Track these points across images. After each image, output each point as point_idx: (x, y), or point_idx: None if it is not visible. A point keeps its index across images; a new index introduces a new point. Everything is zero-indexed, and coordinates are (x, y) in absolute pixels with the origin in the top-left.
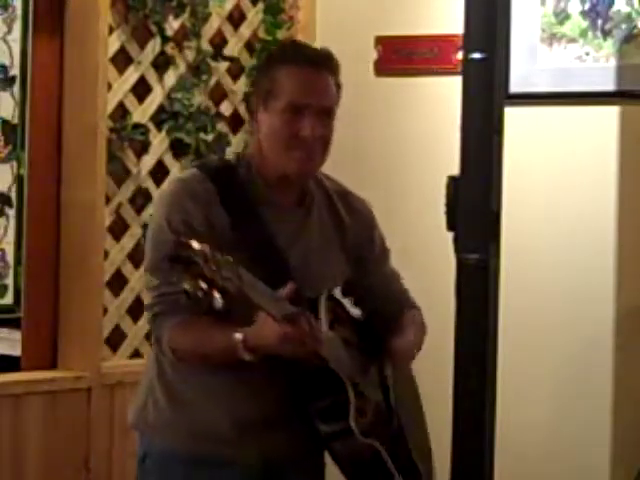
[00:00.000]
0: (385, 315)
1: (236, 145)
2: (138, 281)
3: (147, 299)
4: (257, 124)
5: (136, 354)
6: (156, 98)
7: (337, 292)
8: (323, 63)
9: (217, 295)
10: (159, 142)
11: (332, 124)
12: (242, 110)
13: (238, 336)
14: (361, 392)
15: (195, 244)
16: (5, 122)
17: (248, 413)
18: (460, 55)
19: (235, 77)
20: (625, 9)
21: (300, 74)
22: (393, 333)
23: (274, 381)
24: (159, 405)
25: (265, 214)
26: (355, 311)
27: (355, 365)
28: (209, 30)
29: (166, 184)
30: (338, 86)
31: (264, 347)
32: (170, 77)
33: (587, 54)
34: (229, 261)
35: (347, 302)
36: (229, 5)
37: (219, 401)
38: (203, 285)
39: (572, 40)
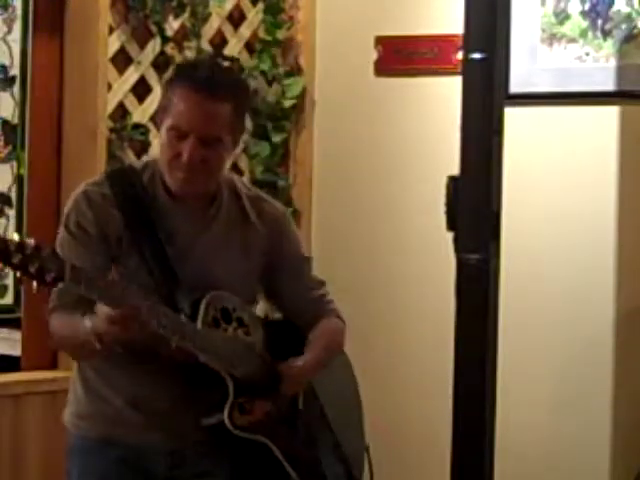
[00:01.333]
0: (300, 322)
1: None
2: None
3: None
4: (159, 134)
5: None
6: (156, 98)
7: (232, 300)
8: (219, 90)
9: (34, 284)
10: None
11: (221, 150)
12: None
13: (88, 323)
14: (246, 389)
15: (12, 238)
16: (5, 122)
17: (145, 400)
18: (460, 55)
19: None
20: (625, 9)
21: (190, 99)
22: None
23: (166, 373)
24: (78, 398)
25: (162, 219)
26: (276, 315)
27: (246, 364)
28: (209, 30)
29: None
30: (238, 113)
31: (102, 333)
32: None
33: (587, 54)
34: (48, 252)
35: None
36: (229, 5)
37: (119, 387)
38: (18, 274)
39: (572, 40)
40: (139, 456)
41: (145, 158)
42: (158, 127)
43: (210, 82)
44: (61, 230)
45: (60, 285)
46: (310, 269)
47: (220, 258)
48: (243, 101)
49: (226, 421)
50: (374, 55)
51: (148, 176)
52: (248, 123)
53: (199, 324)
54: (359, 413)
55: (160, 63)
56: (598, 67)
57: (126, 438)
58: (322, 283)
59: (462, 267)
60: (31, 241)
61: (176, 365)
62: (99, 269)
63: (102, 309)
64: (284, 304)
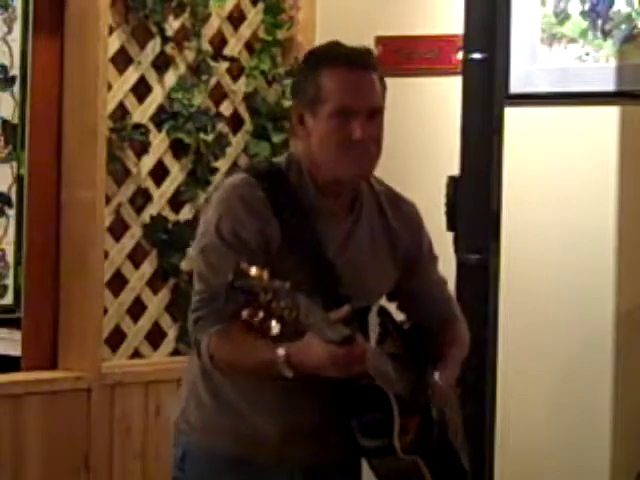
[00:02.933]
0: (429, 324)
1: (236, 145)
2: (138, 281)
3: (193, 301)
4: (305, 130)
5: (136, 354)
6: (156, 98)
7: (384, 301)
8: (366, 62)
9: (274, 324)
10: (159, 142)
11: (382, 122)
12: (242, 110)
13: (281, 351)
14: (406, 408)
15: (254, 270)
16: (5, 122)
17: (293, 421)
18: (460, 55)
19: (235, 77)
20: (625, 9)
21: (345, 77)
22: (437, 356)
23: (320, 391)
24: (203, 405)
25: (316, 222)
26: (400, 317)
27: (402, 381)
28: (209, 30)
29: (220, 189)
30: (382, 80)
31: (308, 367)
32: (170, 77)
33: (587, 54)
34: (286, 288)
35: (393, 310)
36: (229, 5)
37: (265, 407)
38: (260, 314)
39: (572, 40)
40: (270, 473)
41: (285, 154)
42: (301, 121)
43: (356, 57)
44: (209, 234)
45: (211, 290)
46: (439, 268)
47: (371, 259)
48: (381, 71)
49: (396, 445)
50: None
51: (295, 175)
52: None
53: (373, 344)
54: (460, 417)
55: (160, 63)
56: (598, 67)
57: (259, 458)
58: (446, 282)
59: (462, 267)
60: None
61: (329, 383)
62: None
63: (319, 343)
64: (414, 304)
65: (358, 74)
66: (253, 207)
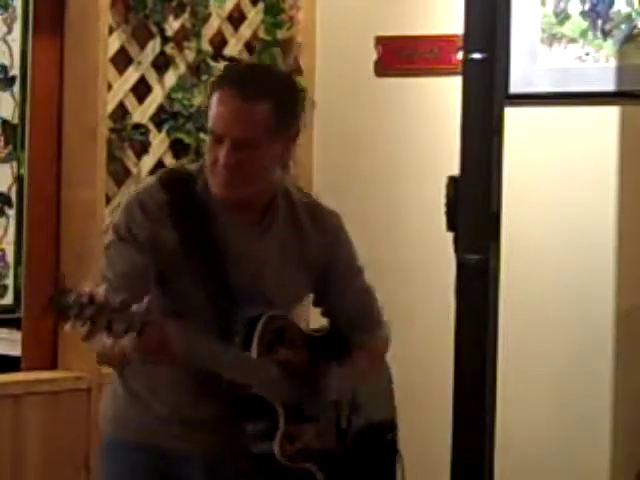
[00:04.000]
0: (347, 330)
1: None
2: None
3: None
4: None
5: None
6: (156, 98)
7: (282, 317)
8: (250, 92)
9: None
10: (159, 142)
11: (258, 154)
12: None
13: (124, 342)
14: (296, 416)
15: (79, 290)
16: (5, 122)
17: (192, 410)
18: (460, 55)
19: None
20: (625, 9)
21: (223, 102)
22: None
23: (216, 385)
24: (117, 398)
25: (216, 230)
26: (322, 323)
27: (293, 388)
28: (209, 30)
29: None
30: (281, 112)
31: (129, 356)
32: (170, 77)
33: (587, 54)
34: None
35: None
36: (229, 5)
37: (164, 399)
38: (87, 327)
39: (572, 40)
40: (174, 467)
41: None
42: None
43: (242, 82)
44: (109, 235)
45: (107, 282)
46: (362, 279)
47: (274, 271)
48: (285, 99)
49: (276, 452)
50: (374, 55)
51: (202, 182)
52: (302, 124)
53: (254, 353)
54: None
55: (160, 63)
56: (598, 67)
57: (161, 447)
58: (372, 291)
59: (462, 267)
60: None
61: (218, 389)
62: (136, 270)
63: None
64: (335, 311)
65: (234, 103)
66: (149, 211)
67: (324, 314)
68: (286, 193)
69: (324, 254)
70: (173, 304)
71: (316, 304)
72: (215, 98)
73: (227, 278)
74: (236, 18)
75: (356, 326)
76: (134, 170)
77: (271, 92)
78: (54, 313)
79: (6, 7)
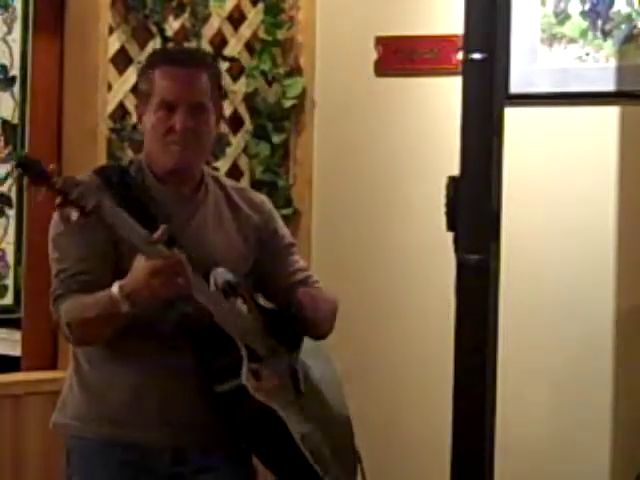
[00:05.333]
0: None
1: (236, 145)
2: None
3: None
4: (142, 125)
5: None
6: None
7: (233, 275)
8: (192, 61)
9: (73, 211)
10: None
11: (207, 118)
12: (242, 110)
13: (115, 286)
14: (258, 357)
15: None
16: (5, 122)
17: (152, 401)
18: (460, 55)
19: (235, 77)
20: (625, 9)
21: (169, 73)
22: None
23: (177, 368)
24: (75, 398)
25: (156, 207)
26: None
27: (253, 331)
28: (209, 30)
29: None
30: (215, 83)
31: (138, 290)
32: None
33: (587, 54)
34: (92, 187)
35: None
36: (229, 5)
37: (124, 388)
38: (58, 200)
39: (572, 40)
40: (142, 455)
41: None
42: (140, 119)
43: (184, 55)
44: (56, 226)
45: (64, 271)
46: (297, 253)
47: (216, 237)
48: (216, 72)
49: (244, 381)
50: (374, 55)
51: (135, 169)
52: (226, 109)
53: (212, 287)
54: (342, 414)
55: None
56: (598, 67)
57: (127, 438)
58: (307, 269)
59: (462, 267)
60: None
61: (179, 342)
62: (99, 253)
63: (142, 261)
64: (273, 287)
65: (181, 70)
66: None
67: (264, 290)
68: (213, 176)
69: (261, 224)
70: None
71: (258, 287)
72: (160, 74)
73: (173, 244)
74: (236, 18)
75: (301, 287)
76: None
77: (206, 63)
78: (30, 176)
79: (6, 7)
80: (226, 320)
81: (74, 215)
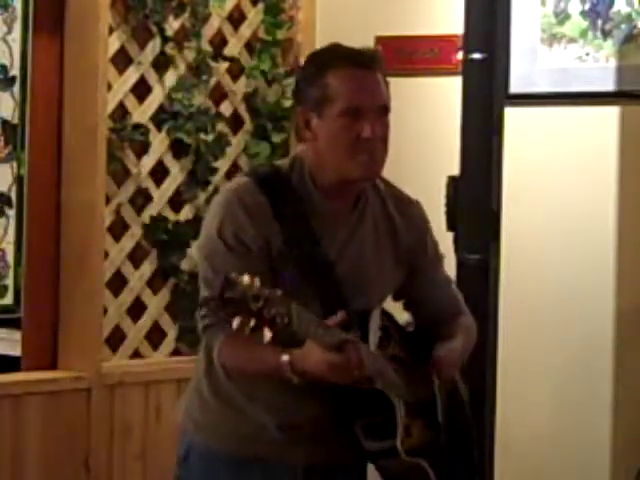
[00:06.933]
0: (435, 321)
1: (236, 145)
2: (138, 281)
3: (200, 307)
4: (311, 132)
5: (136, 354)
6: (156, 98)
7: (386, 303)
8: (372, 61)
9: (266, 331)
10: (159, 142)
11: (389, 122)
12: (242, 110)
13: (285, 358)
14: (410, 411)
15: (245, 279)
16: (5, 122)
17: (294, 417)
18: (460, 55)
19: (235, 77)
20: (625, 9)
21: (352, 76)
22: (441, 341)
23: (318, 389)
24: (206, 404)
25: (317, 224)
26: (405, 317)
27: (404, 383)
28: (209, 30)
29: (220, 193)
30: (386, 80)
31: (310, 373)
32: (170, 77)
33: (587, 54)
34: (278, 295)
35: (397, 310)
36: (229, 5)
37: (266, 404)
38: (252, 322)
39: (572, 40)
40: (274, 472)
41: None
42: (307, 125)
43: (361, 56)
44: (211, 239)
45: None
46: (443, 267)
47: (372, 260)
48: (384, 69)
49: (399, 446)
50: None
51: (297, 177)
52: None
53: (373, 347)
54: (470, 421)
55: (160, 63)
56: (598, 67)
57: (259, 457)
58: (452, 281)
59: (462, 267)
60: (257, 282)
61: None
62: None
63: (318, 350)
64: (422, 300)
65: (365, 73)
66: (253, 211)
67: (408, 307)
68: (372, 182)
69: (413, 242)
70: None
71: (399, 297)
72: (341, 77)
73: (332, 269)
74: (236, 18)
75: (445, 313)
76: (134, 170)
77: (380, 62)
78: (225, 307)
79: (6, 7)
80: (386, 382)
81: (267, 336)
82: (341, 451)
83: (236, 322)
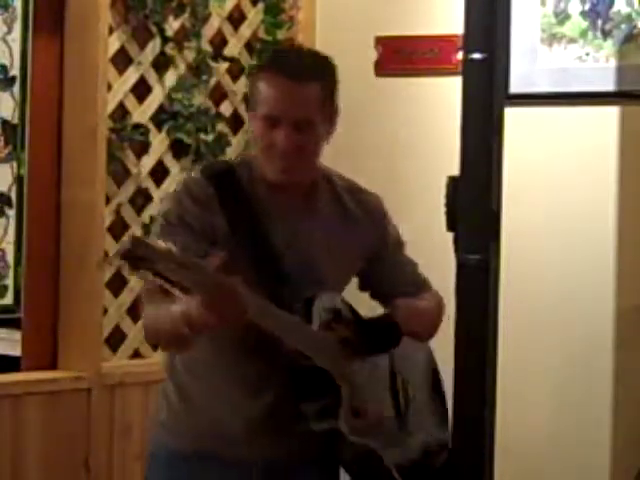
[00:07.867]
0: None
1: (236, 145)
2: (138, 281)
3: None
4: (251, 127)
5: (136, 354)
6: (156, 98)
7: (337, 298)
8: (306, 73)
9: (175, 291)
10: (159, 142)
11: (314, 133)
12: (242, 110)
13: (176, 307)
14: (359, 393)
15: (159, 242)
16: (5, 122)
17: (250, 410)
18: (460, 55)
19: (235, 77)
20: (625, 9)
21: (277, 85)
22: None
23: (273, 380)
24: (171, 404)
25: (265, 215)
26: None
27: (354, 366)
28: (209, 30)
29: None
30: (329, 93)
31: (195, 319)
32: (170, 77)
33: (587, 54)
34: (191, 261)
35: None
36: (229, 5)
37: (222, 398)
38: (158, 281)
39: (572, 40)
40: (232, 469)
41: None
42: (246, 119)
43: (296, 67)
44: (159, 223)
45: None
46: (405, 252)
47: (325, 251)
48: (330, 79)
49: (342, 425)
50: (374, 55)
51: (246, 173)
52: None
53: (315, 327)
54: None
55: (160, 63)
56: (598, 67)
57: (221, 454)
58: (415, 264)
59: (462, 267)
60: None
61: (280, 367)
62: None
63: (199, 296)
64: (385, 282)
65: (292, 84)
66: (200, 199)
67: (374, 295)
68: (326, 176)
69: (374, 234)
70: None
71: (364, 287)
72: (265, 82)
73: (279, 260)
74: (236, 18)
75: (409, 287)
76: (134, 170)
77: (319, 72)
78: (127, 262)
79: (6, 7)
80: (328, 362)
81: (176, 292)
82: (302, 447)
83: (139, 276)
